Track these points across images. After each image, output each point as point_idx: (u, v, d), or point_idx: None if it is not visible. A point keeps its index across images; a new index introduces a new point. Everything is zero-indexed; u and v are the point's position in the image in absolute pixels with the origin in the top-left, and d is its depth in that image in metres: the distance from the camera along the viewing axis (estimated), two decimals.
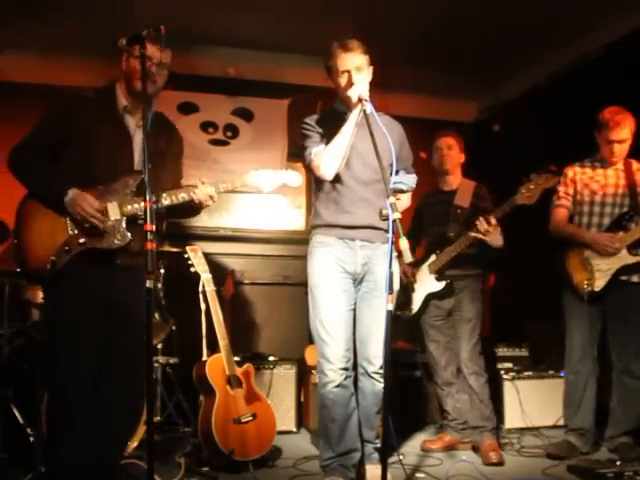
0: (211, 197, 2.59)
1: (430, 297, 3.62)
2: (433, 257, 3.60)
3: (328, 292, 2.87)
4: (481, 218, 3.30)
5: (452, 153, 3.66)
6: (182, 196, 2.56)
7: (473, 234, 3.36)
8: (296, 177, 2.76)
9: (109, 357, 2.50)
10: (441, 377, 3.66)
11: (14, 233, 2.48)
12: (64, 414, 2.41)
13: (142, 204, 2.42)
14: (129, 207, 2.48)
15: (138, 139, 2.56)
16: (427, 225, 3.75)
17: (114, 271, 2.50)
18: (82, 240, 2.43)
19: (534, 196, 3.21)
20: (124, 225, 2.48)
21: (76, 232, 2.44)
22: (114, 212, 2.46)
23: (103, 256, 2.47)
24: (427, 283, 3.61)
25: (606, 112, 3.42)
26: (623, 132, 3.38)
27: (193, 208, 2.64)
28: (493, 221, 3.28)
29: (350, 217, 2.87)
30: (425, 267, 3.63)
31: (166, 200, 2.53)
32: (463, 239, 3.44)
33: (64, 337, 2.42)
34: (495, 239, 3.35)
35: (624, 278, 3.36)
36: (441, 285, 3.56)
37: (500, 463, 3.29)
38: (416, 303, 3.66)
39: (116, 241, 2.46)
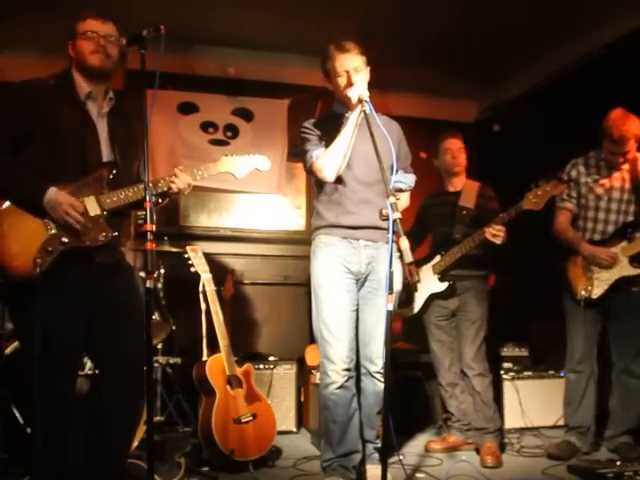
0: (189, 185, 2.49)
1: (433, 297, 3.61)
2: (437, 258, 3.59)
3: (332, 292, 2.86)
4: (493, 224, 3.29)
5: (463, 155, 3.67)
6: (160, 186, 2.43)
7: (483, 236, 3.33)
8: (265, 161, 2.71)
9: (106, 358, 2.42)
10: (445, 378, 3.64)
11: None
12: (55, 419, 2.29)
13: (122, 196, 2.35)
14: (108, 201, 2.34)
15: (102, 127, 2.43)
16: (432, 226, 3.74)
17: (95, 270, 2.35)
18: (65, 239, 2.27)
19: (541, 202, 3.20)
20: (105, 220, 2.33)
21: (57, 231, 2.27)
22: (93, 207, 2.32)
23: (83, 254, 2.31)
24: (430, 283, 3.59)
25: (611, 120, 3.30)
26: (628, 144, 3.30)
27: (164, 198, 2.51)
28: (500, 227, 3.27)
29: (353, 218, 2.86)
30: (429, 267, 3.61)
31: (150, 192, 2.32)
32: (470, 240, 3.42)
33: (46, 343, 2.21)
34: (503, 239, 3.34)
35: (624, 288, 3.33)
36: (444, 286, 3.55)
37: (496, 467, 3.27)
38: (418, 303, 3.65)
39: (100, 237, 2.32)
